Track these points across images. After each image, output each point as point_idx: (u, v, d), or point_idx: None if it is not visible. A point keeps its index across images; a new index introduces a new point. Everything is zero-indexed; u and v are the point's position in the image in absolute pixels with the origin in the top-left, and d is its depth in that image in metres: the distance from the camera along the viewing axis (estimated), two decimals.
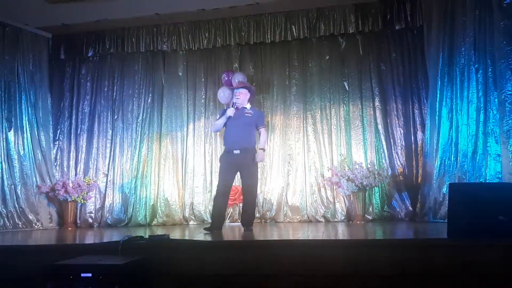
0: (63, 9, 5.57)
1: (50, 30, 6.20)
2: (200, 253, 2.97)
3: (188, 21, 6.09)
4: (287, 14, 5.85)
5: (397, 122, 5.64)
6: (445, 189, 4.55)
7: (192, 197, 5.96)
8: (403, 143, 5.58)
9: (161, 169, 6.10)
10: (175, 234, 4.11)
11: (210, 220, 5.83)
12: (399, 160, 5.57)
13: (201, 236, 3.89)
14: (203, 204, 5.92)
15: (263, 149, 4.47)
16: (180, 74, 6.34)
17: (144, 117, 6.27)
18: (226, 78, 5.87)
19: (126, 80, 6.38)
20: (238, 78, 5.71)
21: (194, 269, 2.88)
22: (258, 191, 5.82)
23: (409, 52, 5.70)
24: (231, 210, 5.78)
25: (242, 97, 4.48)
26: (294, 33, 5.84)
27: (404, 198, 5.42)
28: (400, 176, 5.52)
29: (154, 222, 5.95)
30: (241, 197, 5.54)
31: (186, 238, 3.81)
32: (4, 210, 5.43)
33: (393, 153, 5.59)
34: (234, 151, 4.31)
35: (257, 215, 5.77)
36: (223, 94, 5.83)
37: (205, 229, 4.23)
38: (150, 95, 6.32)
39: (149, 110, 6.28)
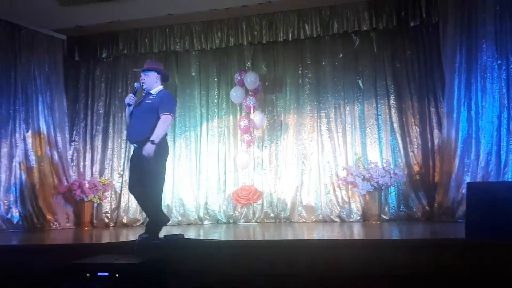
0: (76, 11, 5.63)
1: (65, 32, 6.27)
2: (214, 253, 2.97)
3: (200, 21, 6.10)
4: (299, 12, 5.82)
5: (412, 120, 5.57)
6: (463, 189, 4.47)
7: (206, 197, 5.97)
8: (420, 142, 5.50)
9: (176, 169, 6.13)
10: (190, 234, 4.13)
11: (224, 220, 5.88)
12: (416, 159, 5.49)
13: (215, 236, 3.89)
14: (217, 203, 5.93)
15: (152, 141, 3.48)
16: (193, 74, 6.36)
17: None
18: (239, 78, 5.87)
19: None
20: (250, 77, 5.70)
21: (208, 268, 2.88)
22: (272, 190, 5.82)
23: (424, 49, 5.61)
24: (245, 210, 5.78)
25: (148, 80, 3.74)
26: (307, 32, 5.80)
27: (421, 197, 5.34)
28: (417, 175, 5.44)
29: (169, 222, 5.96)
30: (255, 197, 5.58)
31: (201, 237, 3.82)
32: (22, 210, 5.53)
33: (409, 152, 5.52)
34: (132, 145, 3.69)
35: (271, 215, 5.76)
36: (235, 93, 5.83)
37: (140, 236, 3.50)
38: None
39: None
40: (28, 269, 3.06)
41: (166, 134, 3.68)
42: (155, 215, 3.64)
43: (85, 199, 5.84)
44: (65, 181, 6.04)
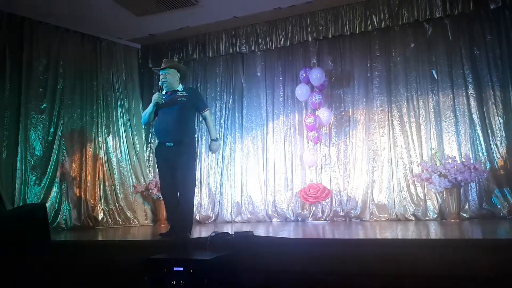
0: (150, 20, 5.96)
1: (139, 41, 6.69)
2: (284, 250, 2.97)
3: (265, 21, 6.15)
4: (366, 3, 5.62)
5: (495, 110, 5.14)
6: None
7: (274, 195, 6.01)
8: (503, 134, 5.06)
9: (244, 168, 6.25)
10: (259, 231, 4.18)
11: (292, 218, 5.87)
12: (499, 152, 5.06)
13: (284, 233, 3.91)
14: (285, 201, 5.95)
15: (216, 139, 3.87)
16: (259, 74, 6.43)
17: (226, 118, 6.47)
18: (304, 75, 5.82)
19: (209, 84, 6.64)
20: (315, 73, 5.64)
21: (278, 265, 2.89)
22: (341, 188, 5.70)
23: (507, 33, 5.14)
24: (314, 208, 5.72)
25: (170, 78, 3.74)
26: (375, 23, 5.58)
27: (506, 193, 4.92)
28: (501, 170, 5.01)
29: (239, 219, 6.12)
30: (323, 195, 5.50)
31: (270, 235, 3.85)
32: (106, 208, 5.99)
33: (492, 145, 5.10)
34: (166, 143, 3.66)
35: (340, 213, 5.64)
36: (301, 91, 5.79)
37: (160, 234, 3.74)
38: (231, 96, 6.51)
39: (231, 111, 6.47)
40: (112, 263, 3.30)
41: (195, 132, 3.85)
42: (191, 213, 3.79)
43: (161, 198, 6.15)
44: (143, 180, 6.43)
